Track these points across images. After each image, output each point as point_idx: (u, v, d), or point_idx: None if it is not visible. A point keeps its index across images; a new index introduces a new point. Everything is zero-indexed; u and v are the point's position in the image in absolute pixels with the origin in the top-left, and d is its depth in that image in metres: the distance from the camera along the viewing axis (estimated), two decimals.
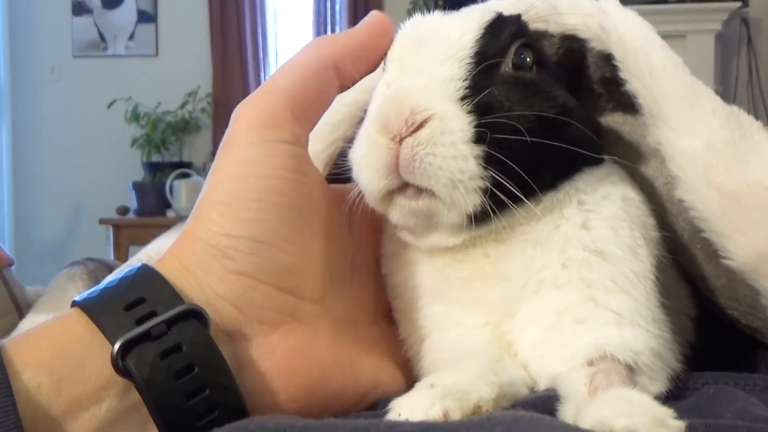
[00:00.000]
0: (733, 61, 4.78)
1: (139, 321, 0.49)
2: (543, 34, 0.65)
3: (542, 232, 0.58)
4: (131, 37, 5.65)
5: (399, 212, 0.58)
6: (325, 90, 0.61)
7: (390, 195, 0.57)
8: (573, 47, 0.65)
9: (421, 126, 0.54)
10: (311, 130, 0.61)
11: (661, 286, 0.59)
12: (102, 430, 0.48)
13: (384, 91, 0.59)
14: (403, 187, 0.56)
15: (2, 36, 5.52)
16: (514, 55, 0.58)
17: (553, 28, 0.65)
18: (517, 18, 0.61)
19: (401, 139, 0.54)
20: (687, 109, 0.59)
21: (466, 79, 0.56)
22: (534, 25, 0.65)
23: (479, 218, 0.55)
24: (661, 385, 0.56)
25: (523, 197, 0.55)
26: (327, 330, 0.58)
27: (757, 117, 0.62)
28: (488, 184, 0.54)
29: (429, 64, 0.57)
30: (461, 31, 0.59)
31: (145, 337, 0.48)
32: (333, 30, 5.45)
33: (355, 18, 5.34)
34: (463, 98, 0.55)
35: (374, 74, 0.63)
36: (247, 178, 0.55)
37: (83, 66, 5.63)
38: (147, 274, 0.52)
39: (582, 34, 0.64)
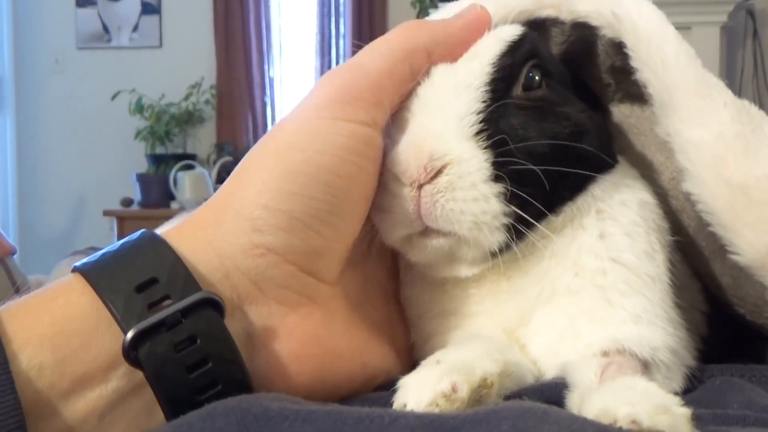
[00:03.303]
0: (739, 53, 4.76)
1: (152, 305, 0.46)
2: (554, 21, 0.65)
3: (560, 245, 0.59)
4: (135, 28, 5.64)
5: (419, 252, 0.58)
6: (412, 75, 0.58)
7: (409, 237, 0.57)
8: (583, 35, 0.64)
9: (440, 172, 0.54)
10: (389, 115, 0.57)
11: (674, 285, 0.59)
12: (108, 411, 0.46)
13: (406, 127, 0.58)
14: (425, 231, 0.56)
15: (6, 28, 5.52)
16: (525, 77, 0.59)
17: (565, 15, 0.65)
18: (530, 40, 0.61)
19: (420, 186, 0.54)
20: (698, 100, 0.58)
21: (480, 112, 0.56)
22: (545, 12, 0.65)
23: (501, 250, 0.56)
24: (676, 384, 0.56)
25: (542, 227, 0.56)
26: (342, 314, 0.57)
27: (762, 108, 0.61)
28: (511, 221, 0.54)
29: (444, 99, 0.57)
30: (474, 55, 0.59)
31: (158, 325, 0.46)
32: (337, 23, 5.44)
33: (359, 11, 5.32)
34: (478, 133, 0.55)
35: None
36: (305, 150, 0.52)
37: (87, 58, 5.62)
38: (158, 247, 0.49)
39: (594, 21, 0.63)
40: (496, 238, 0.55)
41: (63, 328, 0.46)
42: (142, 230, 0.51)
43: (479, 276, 0.59)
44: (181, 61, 5.50)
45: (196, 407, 0.44)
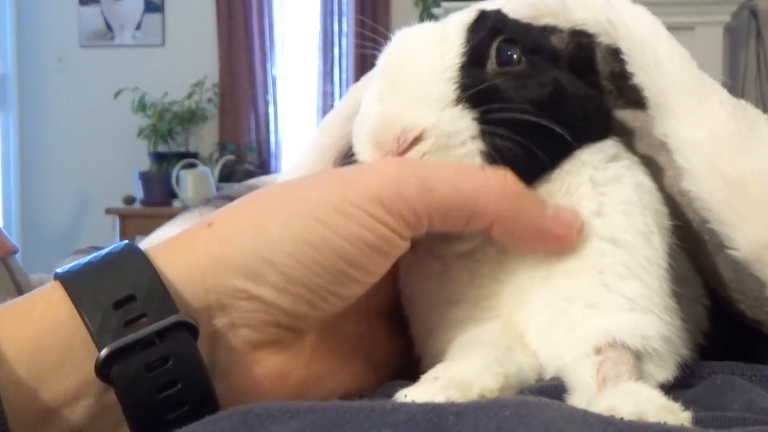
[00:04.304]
0: (742, 54, 4.76)
1: (128, 323, 0.46)
2: (553, 30, 0.65)
3: None
4: (138, 27, 5.65)
5: None
6: (459, 229, 0.54)
7: None
8: (582, 42, 0.65)
9: (416, 141, 0.54)
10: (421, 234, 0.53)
11: (674, 274, 0.59)
12: (77, 428, 0.46)
13: (376, 108, 0.58)
14: None
15: (9, 25, 5.53)
16: (498, 53, 0.58)
17: (563, 23, 0.65)
18: (495, 13, 0.60)
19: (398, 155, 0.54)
20: (693, 100, 0.59)
21: (455, 85, 0.55)
22: (544, 20, 0.65)
23: None
24: (668, 373, 0.56)
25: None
26: (313, 341, 0.55)
27: (765, 109, 0.62)
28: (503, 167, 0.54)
29: (417, 83, 0.56)
30: (445, 40, 0.58)
31: (133, 344, 0.45)
32: (340, 22, 5.45)
33: (362, 10, 5.32)
34: (457, 99, 0.55)
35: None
36: (327, 227, 0.50)
37: (90, 56, 5.63)
38: (139, 263, 0.49)
39: (591, 29, 0.64)
40: None
41: (41, 343, 0.45)
42: (125, 242, 0.51)
43: (481, 257, 0.59)
44: (183, 60, 5.51)
45: (162, 426, 0.45)
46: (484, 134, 0.54)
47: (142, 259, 0.49)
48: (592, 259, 0.56)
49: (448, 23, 0.60)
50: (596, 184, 0.58)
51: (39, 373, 0.45)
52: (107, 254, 0.50)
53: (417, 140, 0.54)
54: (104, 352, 0.45)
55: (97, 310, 0.46)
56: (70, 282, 0.47)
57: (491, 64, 0.58)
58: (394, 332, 0.64)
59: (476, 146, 0.54)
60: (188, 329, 0.47)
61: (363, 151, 0.58)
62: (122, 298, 0.46)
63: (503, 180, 0.53)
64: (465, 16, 0.60)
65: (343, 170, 0.55)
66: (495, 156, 0.54)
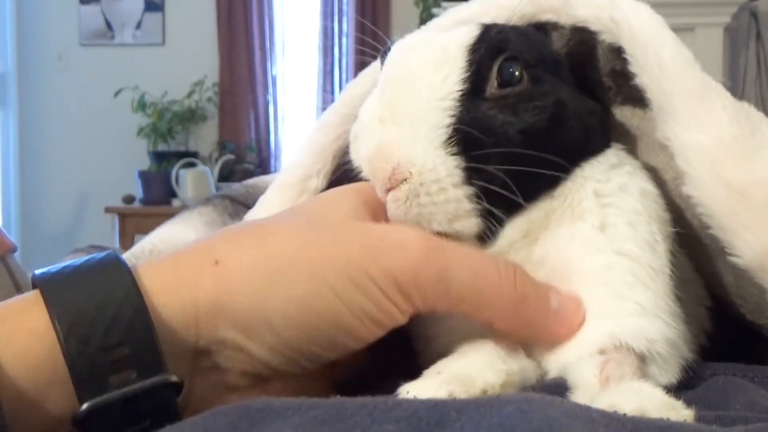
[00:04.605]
0: (742, 55, 4.75)
1: (113, 372, 0.44)
2: (555, 25, 0.65)
3: (560, 239, 0.58)
4: (138, 25, 5.64)
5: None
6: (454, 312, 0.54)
7: None
8: (583, 39, 0.64)
9: (405, 180, 0.54)
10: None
11: (676, 277, 0.59)
12: None
13: (375, 132, 0.58)
14: None
15: (10, 24, 5.52)
16: (499, 74, 0.57)
17: (564, 20, 0.65)
18: (496, 29, 0.60)
19: (387, 191, 0.55)
20: (696, 104, 0.58)
21: (451, 116, 0.55)
22: (545, 16, 0.65)
23: (489, 234, 0.56)
24: (672, 376, 0.56)
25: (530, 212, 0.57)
26: (278, 385, 0.54)
27: (765, 110, 0.61)
28: (485, 206, 0.55)
29: (416, 108, 0.56)
30: (447, 61, 0.57)
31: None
32: (340, 22, 5.44)
33: (362, 9, 5.32)
34: (448, 139, 0.55)
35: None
36: (335, 295, 0.49)
37: (90, 54, 5.63)
38: (133, 308, 0.46)
39: (592, 26, 0.63)
40: (474, 224, 0.55)
41: (21, 383, 0.44)
42: (127, 275, 0.47)
43: None
44: (183, 59, 5.51)
45: None
46: (471, 177, 0.54)
47: (139, 305, 0.46)
48: (597, 276, 0.56)
49: (450, 42, 0.59)
50: (600, 196, 0.58)
51: (15, 416, 0.43)
52: (105, 291, 0.47)
53: (406, 180, 0.54)
54: (85, 406, 0.43)
55: (84, 356, 0.44)
56: (61, 320, 0.45)
57: (491, 87, 0.57)
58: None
59: (462, 192, 0.54)
60: (173, 386, 0.46)
61: (363, 169, 0.59)
62: (111, 345, 0.45)
63: (514, 282, 0.53)
64: (467, 34, 0.59)
65: (367, 231, 0.53)
66: (482, 199, 0.54)
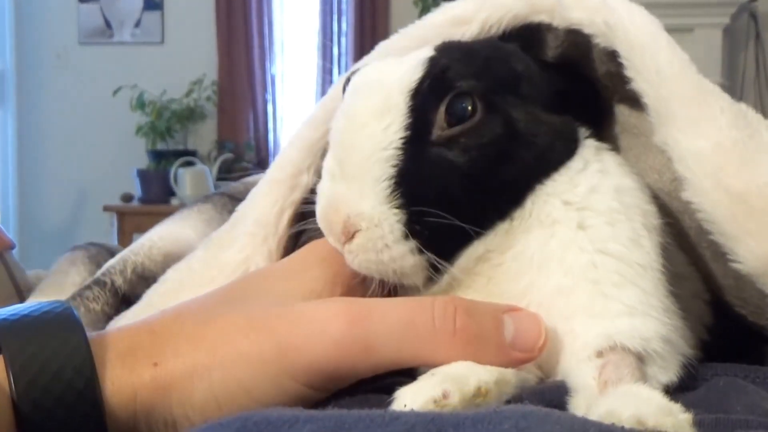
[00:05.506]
0: (741, 56, 4.76)
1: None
2: (548, 27, 0.64)
3: (539, 244, 0.57)
4: (137, 24, 5.64)
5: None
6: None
7: None
8: (577, 41, 0.64)
9: (354, 235, 0.55)
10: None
11: (670, 273, 0.58)
12: None
13: (327, 186, 0.59)
14: None
15: (9, 22, 5.52)
16: (449, 113, 0.56)
17: (558, 22, 0.64)
18: (444, 67, 0.57)
19: (343, 244, 0.57)
20: (695, 108, 0.58)
21: (394, 167, 0.55)
22: (539, 17, 0.64)
23: (440, 268, 0.57)
24: (672, 374, 0.55)
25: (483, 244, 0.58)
26: None
27: (764, 111, 0.61)
28: (429, 257, 0.55)
29: (360, 161, 0.56)
30: (389, 109, 0.57)
31: None
32: (339, 21, 5.44)
33: (361, 8, 5.32)
34: (392, 193, 0.55)
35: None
36: (249, 397, 0.51)
37: (89, 53, 5.62)
38: (86, 383, 0.48)
39: (586, 30, 0.63)
40: (421, 277, 0.56)
41: None
42: (88, 354, 0.50)
43: (470, 283, 0.59)
44: (182, 58, 5.50)
45: None
46: (413, 231, 0.55)
47: (91, 383, 0.49)
48: (584, 273, 0.56)
49: (392, 86, 0.58)
50: (571, 203, 0.58)
51: None
52: (65, 361, 0.49)
53: (359, 231, 0.55)
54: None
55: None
56: (16, 384, 0.47)
57: (439, 129, 0.56)
58: None
59: (405, 247, 0.55)
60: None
61: (320, 225, 0.59)
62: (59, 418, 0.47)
63: (453, 328, 0.52)
64: (410, 75, 0.58)
65: (297, 319, 0.53)
66: (427, 248, 0.55)
